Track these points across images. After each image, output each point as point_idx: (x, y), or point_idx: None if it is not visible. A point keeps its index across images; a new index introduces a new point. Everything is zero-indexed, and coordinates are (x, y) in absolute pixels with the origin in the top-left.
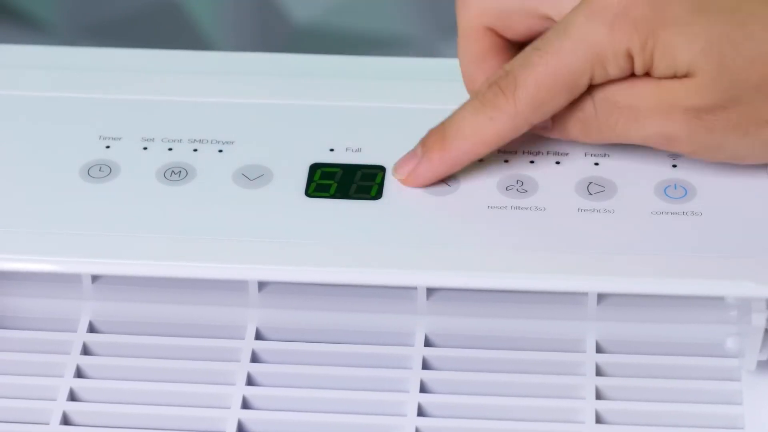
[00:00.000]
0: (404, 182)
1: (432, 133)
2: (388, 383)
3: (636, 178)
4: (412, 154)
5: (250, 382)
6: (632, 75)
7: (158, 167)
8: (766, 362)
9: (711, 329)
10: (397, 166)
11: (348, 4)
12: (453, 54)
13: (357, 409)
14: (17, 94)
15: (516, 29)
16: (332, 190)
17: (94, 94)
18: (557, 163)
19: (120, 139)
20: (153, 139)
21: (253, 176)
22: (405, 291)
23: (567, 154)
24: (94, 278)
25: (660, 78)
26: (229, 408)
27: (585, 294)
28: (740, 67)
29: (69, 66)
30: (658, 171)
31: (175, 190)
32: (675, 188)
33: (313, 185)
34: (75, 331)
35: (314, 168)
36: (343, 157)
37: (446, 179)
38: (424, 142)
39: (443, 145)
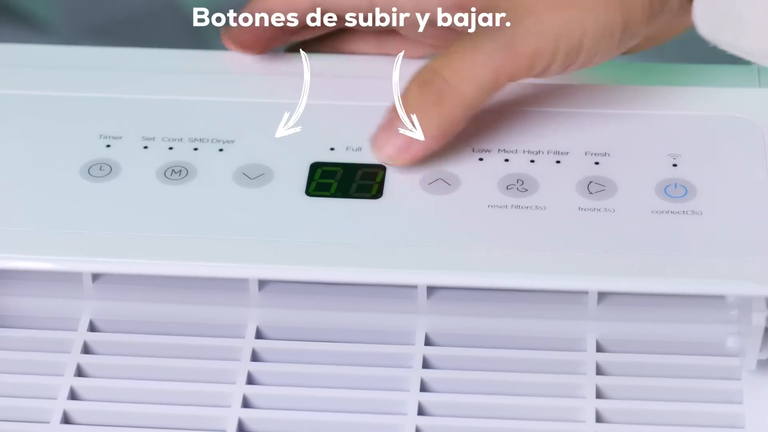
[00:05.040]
0: (395, 161)
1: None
2: (389, 382)
3: (636, 177)
4: (390, 126)
5: (250, 380)
6: None
7: (159, 166)
8: (767, 361)
9: (711, 328)
10: (381, 144)
11: None
12: None
13: (357, 407)
14: (18, 94)
15: None
16: (333, 189)
17: (95, 93)
18: (557, 162)
19: (120, 138)
20: (153, 138)
21: (253, 175)
22: (405, 290)
23: (567, 153)
24: (95, 277)
25: None
26: (230, 407)
27: (585, 293)
28: None
29: (69, 65)
30: (659, 170)
31: (176, 189)
32: (675, 187)
33: (314, 184)
34: (75, 330)
35: (315, 167)
36: (343, 156)
37: (446, 179)
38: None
39: (440, 100)
